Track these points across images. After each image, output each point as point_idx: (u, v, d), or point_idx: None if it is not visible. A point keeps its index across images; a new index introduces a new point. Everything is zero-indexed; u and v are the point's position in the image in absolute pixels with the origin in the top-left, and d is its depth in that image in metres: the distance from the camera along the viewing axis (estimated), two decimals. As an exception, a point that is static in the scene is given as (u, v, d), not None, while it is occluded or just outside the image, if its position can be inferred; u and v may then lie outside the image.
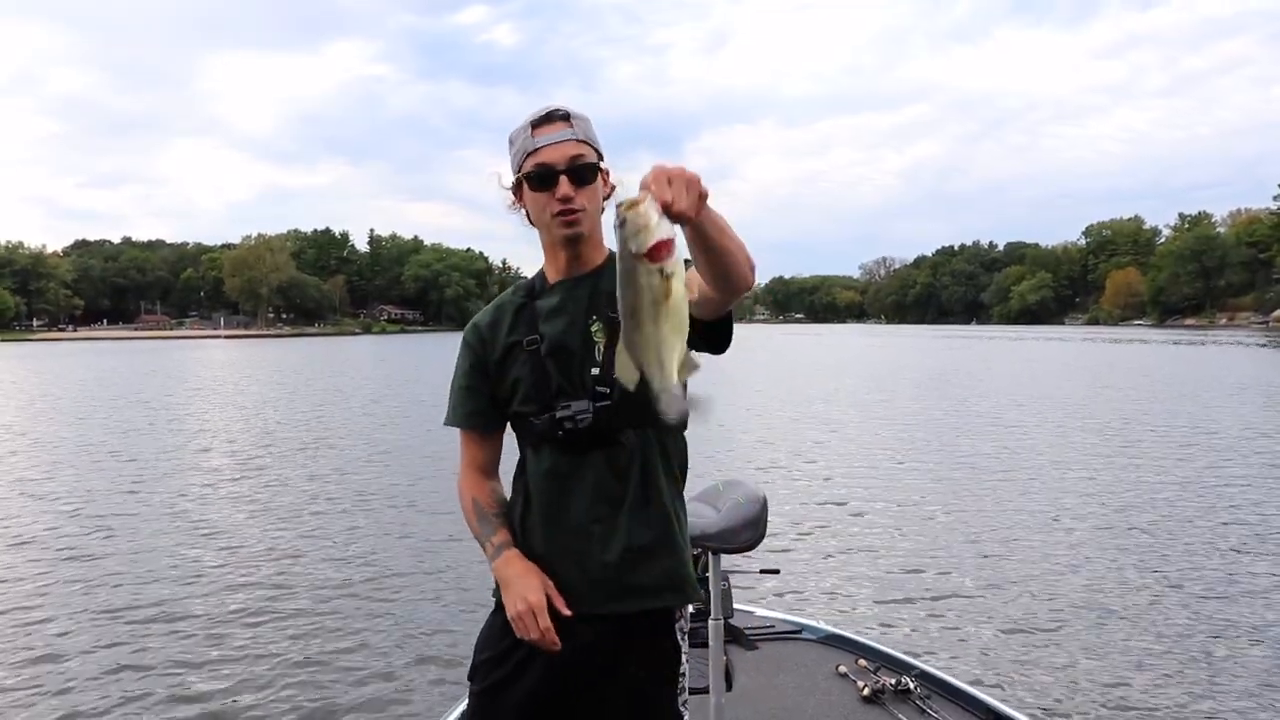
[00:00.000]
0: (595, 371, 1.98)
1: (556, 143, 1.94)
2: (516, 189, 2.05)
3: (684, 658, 2.09)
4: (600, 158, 2.02)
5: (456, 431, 2.18)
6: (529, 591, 1.95)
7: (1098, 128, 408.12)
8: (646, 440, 2.00)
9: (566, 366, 2.00)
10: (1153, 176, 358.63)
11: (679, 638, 2.07)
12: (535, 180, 1.96)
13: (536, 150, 1.95)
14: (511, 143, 2.03)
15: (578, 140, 1.96)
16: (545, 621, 1.93)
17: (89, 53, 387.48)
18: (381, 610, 6.89)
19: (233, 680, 5.59)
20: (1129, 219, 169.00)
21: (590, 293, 2.01)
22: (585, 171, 1.95)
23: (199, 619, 6.70)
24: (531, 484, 2.06)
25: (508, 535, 2.08)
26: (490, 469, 2.19)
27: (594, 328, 1.99)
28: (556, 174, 1.94)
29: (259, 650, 6.08)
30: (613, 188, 2.05)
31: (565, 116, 1.98)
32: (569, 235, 1.98)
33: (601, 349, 1.98)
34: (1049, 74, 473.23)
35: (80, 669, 5.75)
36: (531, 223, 2.07)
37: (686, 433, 2.12)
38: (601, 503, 1.98)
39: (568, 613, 1.94)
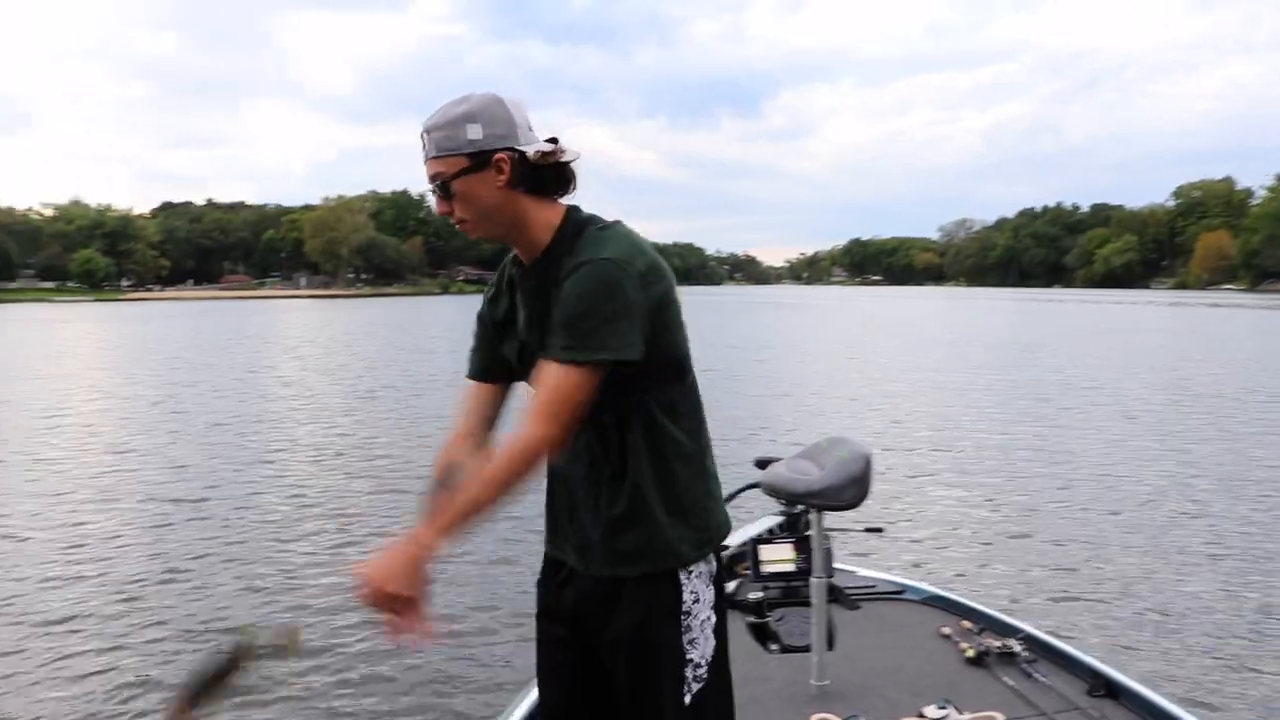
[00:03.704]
0: None
1: (426, 162, 2.00)
2: None
3: (694, 603, 2.08)
4: (478, 155, 1.95)
5: None
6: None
7: (1195, 84, 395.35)
8: (621, 413, 2.01)
9: (530, 355, 2.04)
10: (1251, 136, 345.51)
11: (683, 579, 2.08)
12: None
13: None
14: None
15: (433, 158, 1.97)
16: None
17: (171, 13, 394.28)
18: (473, 572, 6.98)
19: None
20: (1220, 180, 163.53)
21: (539, 279, 2.04)
22: (443, 189, 1.98)
23: (275, 575, 6.94)
24: None
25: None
26: (477, 421, 2.22)
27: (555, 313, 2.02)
28: (432, 192, 2.02)
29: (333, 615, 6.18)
30: (534, 154, 1.97)
31: (430, 130, 1.97)
32: (473, 240, 2.09)
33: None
34: (1145, 27, 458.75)
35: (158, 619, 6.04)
36: None
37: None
38: (593, 471, 2.06)
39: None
